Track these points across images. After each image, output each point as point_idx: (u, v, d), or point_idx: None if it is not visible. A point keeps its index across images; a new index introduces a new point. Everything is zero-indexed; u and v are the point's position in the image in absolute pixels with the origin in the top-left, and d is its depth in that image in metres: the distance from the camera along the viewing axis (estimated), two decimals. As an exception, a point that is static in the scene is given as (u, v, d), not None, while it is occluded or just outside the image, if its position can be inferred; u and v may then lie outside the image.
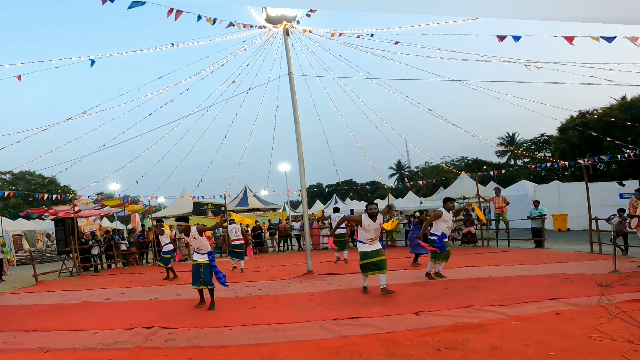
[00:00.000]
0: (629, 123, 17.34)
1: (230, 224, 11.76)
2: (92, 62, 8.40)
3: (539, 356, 3.52)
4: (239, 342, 4.54)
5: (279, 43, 10.03)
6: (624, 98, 28.38)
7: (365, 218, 6.61)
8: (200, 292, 6.74)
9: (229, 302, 6.94)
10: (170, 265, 10.50)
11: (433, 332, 4.43)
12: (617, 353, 3.40)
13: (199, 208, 17.06)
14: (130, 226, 25.74)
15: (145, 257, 16.20)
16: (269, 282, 9.01)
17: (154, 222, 14.05)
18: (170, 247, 10.72)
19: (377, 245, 6.70)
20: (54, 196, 16.19)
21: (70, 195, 19.16)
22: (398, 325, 4.81)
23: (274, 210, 27.02)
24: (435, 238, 7.61)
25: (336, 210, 13.23)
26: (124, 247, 15.17)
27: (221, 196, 17.37)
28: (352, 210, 19.33)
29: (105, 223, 25.39)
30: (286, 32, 9.47)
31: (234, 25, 8.48)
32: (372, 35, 8.47)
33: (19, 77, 8.21)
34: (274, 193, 24.61)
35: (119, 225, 27.24)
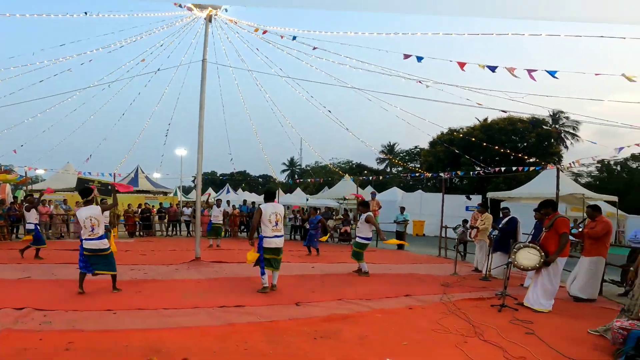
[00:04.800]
0: (485, 144, 20.11)
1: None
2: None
3: (395, 345, 4.22)
4: (124, 327, 4.43)
5: (199, 28, 9.67)
6: (485, 120, 33.19)
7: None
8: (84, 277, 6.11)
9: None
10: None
11: (310, 322, 4.91)
12: (452, 344, 4.26)
13: (84, 184, 15.37)
14: (-1, 197, 21.74)
15: (15, 232, 14.24)
16: (156, 266, 8.75)
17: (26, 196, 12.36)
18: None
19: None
20: None
21: None
22: (280, 314, 5.20)
23: (165, 194, 26.11)
24: None
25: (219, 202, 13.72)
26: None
27: (110, 174, 16.13)
28: (244, 201, 19.53)
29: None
30: (209, 19, 9.24)
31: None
32: (294, 38, 8.69)
33: None
34: (168, 176, 23.54)
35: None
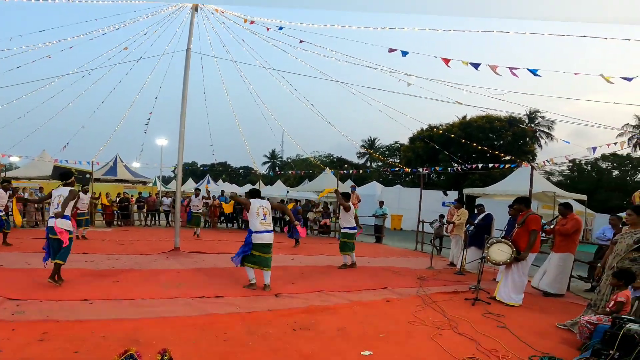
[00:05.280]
0: (463, 140, 20.44)
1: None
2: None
3: (373, 337, 4.31)
4: (101, 317, 4.35)
5: (184, 17, 9.51)
6: (464, 117, 33.71)
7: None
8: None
9: (89, 275, 6.43)
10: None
11: (290, 313, 4.96)
12: (427, 336, 4.39)
13: (60, 172, 15.04)
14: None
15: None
16: (134, 256, 8.61)
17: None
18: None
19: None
20: None
21: None
22: (259, 305, 5.22)
23: (144, 183, 25.80)
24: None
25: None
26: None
27: (88, 162, 15.83)
28: (222, 192, 19.47)
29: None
30: (195, 9, 9.12)
31: None
32: (280, 28, 8.61)
33: None
34: (147, 166, 23.21)
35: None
